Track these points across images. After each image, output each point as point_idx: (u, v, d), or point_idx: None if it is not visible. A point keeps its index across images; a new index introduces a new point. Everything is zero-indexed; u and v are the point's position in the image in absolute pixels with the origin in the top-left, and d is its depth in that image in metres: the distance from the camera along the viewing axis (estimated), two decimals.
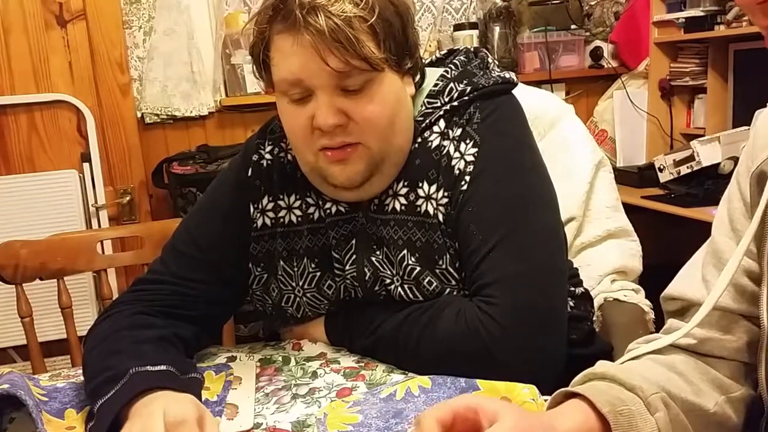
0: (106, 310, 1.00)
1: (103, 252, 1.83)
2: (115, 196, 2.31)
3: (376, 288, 1.00)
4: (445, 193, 0.96)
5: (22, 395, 0.82)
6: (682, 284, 0.81)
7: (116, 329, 0.94)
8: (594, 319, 1.19)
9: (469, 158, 0.95)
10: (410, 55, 0.96)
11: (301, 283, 1.04)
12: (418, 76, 1.00)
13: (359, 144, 0.92)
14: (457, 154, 0.96)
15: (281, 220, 1.03)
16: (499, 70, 1.02)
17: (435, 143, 0.98)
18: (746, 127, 2.00)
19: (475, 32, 2.65)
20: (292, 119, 0.94)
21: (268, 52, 0.92)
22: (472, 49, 1.07)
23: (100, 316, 1.00)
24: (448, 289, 0.96)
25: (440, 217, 0.96)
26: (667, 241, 2.62)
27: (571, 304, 1.05)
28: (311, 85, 0.90)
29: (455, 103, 0.98)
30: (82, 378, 0.92)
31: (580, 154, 1.36)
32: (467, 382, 0.86)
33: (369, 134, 0.92)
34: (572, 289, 1.09)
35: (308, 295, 1.04)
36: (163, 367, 0.84)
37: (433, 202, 0.97)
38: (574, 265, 1.19)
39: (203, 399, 0.88)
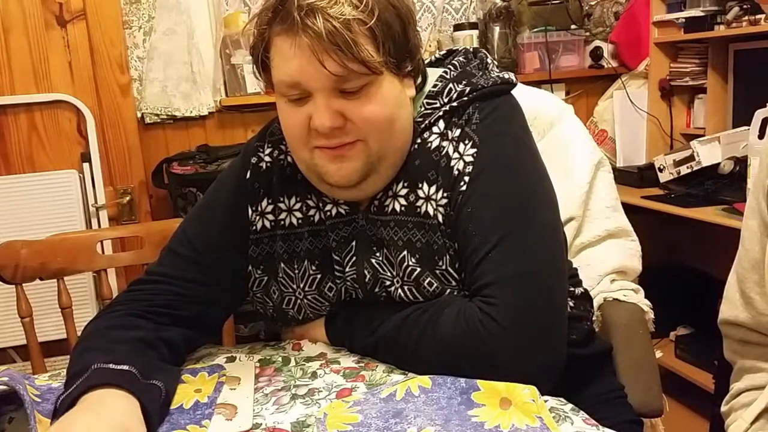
0: (100, 311, 1.00)
1: (103, 252, 1.83)
2: (115, 196, 2.31)
3: (377, 290, 1.00)
4: (445, 194, 0.96)
5: (21, 389, 0.83)
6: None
7: (100, 328, 0.95)
8: (593, 319, 1.19)
9: (468, 159, 0.95)
10: (411, 57, 0.95)
11: (302, 285, 1.04)
12: (419, 79, 1.00)
13: (358, 141, 0.92)
14: (456, 155, 0.96)
15: (281, 222, 1.03)
16: (498, 70, 1.02)
17: (434, 144, 0.98)
18: (746, 127, 2.00)
19: (475, 32, 2.64)
20: (290, 118, 0.94)
21: (268, 54, 0.92)
22: (471, 50, 1.06)
23: (94, 316, 1.00)
24: (448, 290, 0.96)
25: (440, 217, 0.96)
26: (667, 241, 2.63)
27: (571, 304, 1.05)
28: (309, 87, 0.90)
29: (454, 104, 0.98)
30: None
31: (579, 154, 1.36)
32: (467, 383, 0.86)
33: (368, 133, 0.92)
34: (572, 289, 1.09)
35: (309, 297, 1.04)
36: (125, 367, 0.84)
37: (433, 202, 0.96)
38: (574, 265, 1.19)
39: (194, 401, 0.89)
